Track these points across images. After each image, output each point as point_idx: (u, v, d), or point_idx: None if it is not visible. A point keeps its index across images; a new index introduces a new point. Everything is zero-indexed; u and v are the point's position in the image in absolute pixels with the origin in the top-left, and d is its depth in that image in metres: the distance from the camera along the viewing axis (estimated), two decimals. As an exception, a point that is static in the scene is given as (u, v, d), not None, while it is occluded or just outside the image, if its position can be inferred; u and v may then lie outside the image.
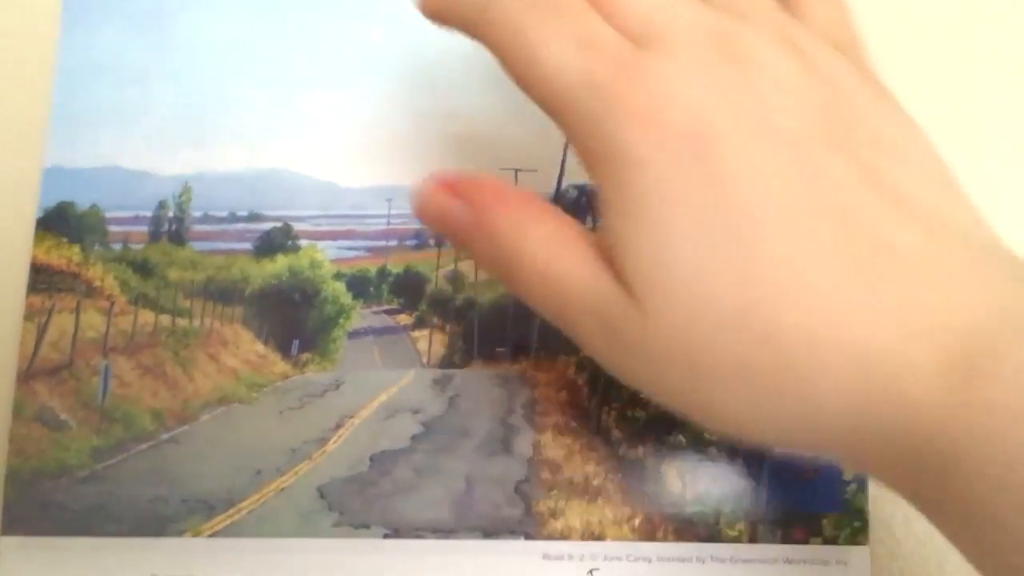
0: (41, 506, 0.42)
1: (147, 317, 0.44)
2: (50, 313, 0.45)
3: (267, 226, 0.45)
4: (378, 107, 0.46)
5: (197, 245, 0.45)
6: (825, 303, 0.23)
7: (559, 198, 0.44)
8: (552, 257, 0.27)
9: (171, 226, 0.45)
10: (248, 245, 0.45)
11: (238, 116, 0.46)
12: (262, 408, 0.43)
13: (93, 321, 0.44)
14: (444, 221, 0.29)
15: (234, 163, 0.45)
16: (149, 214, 0.45)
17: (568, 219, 0.28)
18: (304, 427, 0.42)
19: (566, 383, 0.42)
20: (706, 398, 0.26)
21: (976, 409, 0.20)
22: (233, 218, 0.45)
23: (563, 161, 0.44)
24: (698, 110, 0.25)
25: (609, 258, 0.26)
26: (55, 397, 0.44)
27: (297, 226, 0.45)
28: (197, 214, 0.45)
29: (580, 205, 0.44)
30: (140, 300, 0.44)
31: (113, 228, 0.45)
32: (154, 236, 0.45)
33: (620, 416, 0.41)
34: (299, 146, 0.45)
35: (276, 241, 0.44)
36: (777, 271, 0.23)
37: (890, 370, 0.22)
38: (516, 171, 0.44)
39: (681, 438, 0.41)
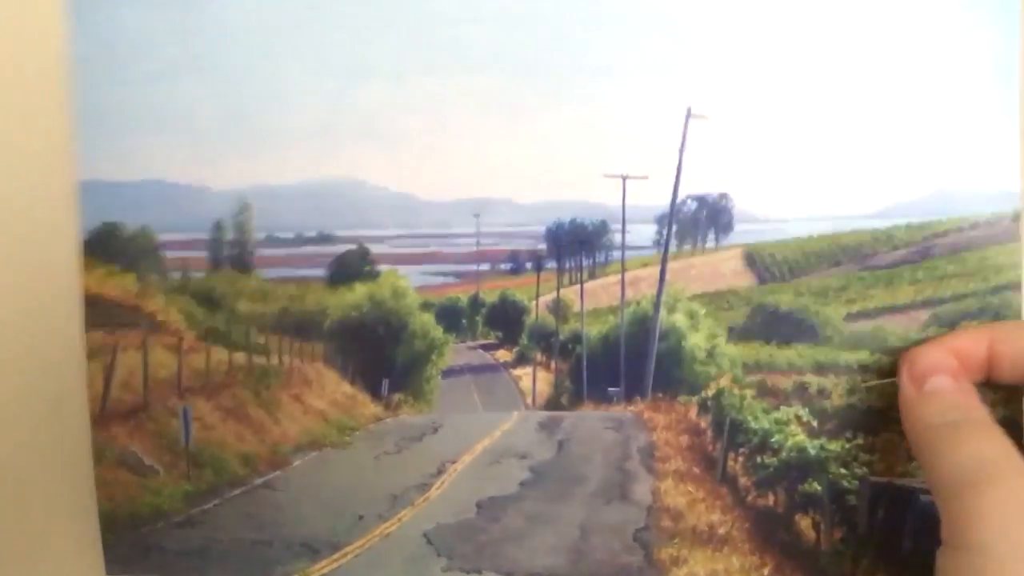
0: (142, 549, 0.42)
1: (220, 355, 0.42)
2: (115, 351, 0.42)
3: (340, 248, 0.41)
4: (458, 102, 0.40)
5: (264, 272, 0.41)
6: None
7: (676, 212, 0.38)
8: None
9: (233, 250, 0.41)
10: (321, 271, 0.41)
11: (293, 116, 0.41)
12: (357, 452, 0.41)
13: (163, 359, 0.42)
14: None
15: (295, 173, 0.41)
16: (206, 237, 0.41)
17: None
18: (404, 473, 0.41)
19: (688, 426, 0.39)
20: None
21: None
22: (301, 240, 0.41)
23: (679, 168, 0.38)
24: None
25: None
26: (136, 441, 0.42)
27: (374, 248, 0.41)
28: (260, 236, 0.41)
29: (699, 220, 0.39)
30: (210, 336, 0.42)
31: (168, 253, 0.41)
32: (214, 262, 0.41)
33: (748, 462, 0.39)
34: (367, 150, 0.40)
35: (352, 266, 0.41)
36: None
37: None
38: (624, 178, 0.38)
39: (816, 485, 0.38)
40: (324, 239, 0.41)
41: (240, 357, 0.42)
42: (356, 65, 0.41)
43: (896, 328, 0.39)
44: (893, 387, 0.40)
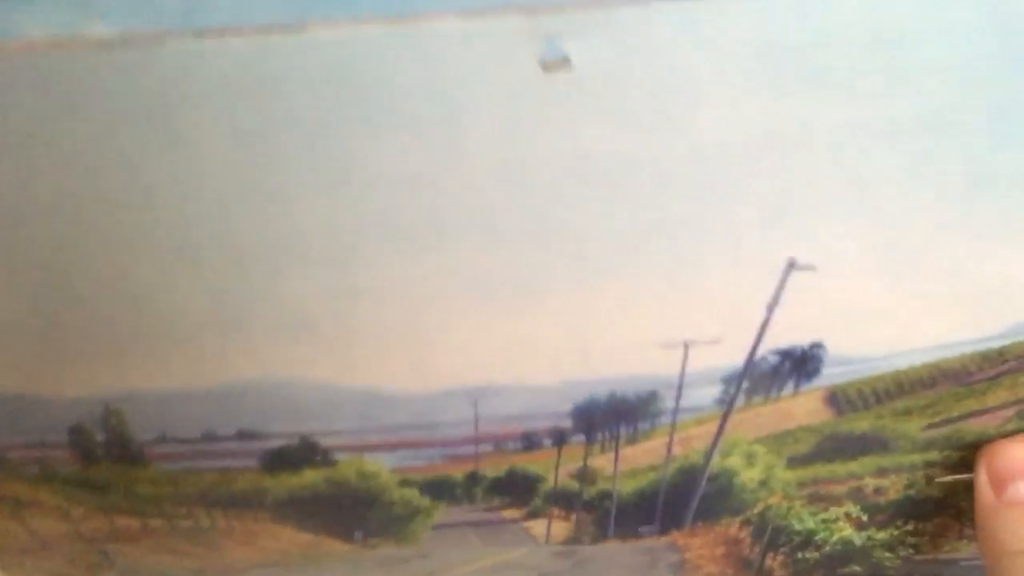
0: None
1: (126, 520, 0.32)
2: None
3: (274, 444, 0.29)
4: (438, 284, 0.25)
5: (165, 465, 0.29)
6: None
7: (753, 368, 0.28)
8: None
9: (111, 449, 0.28)
10: (251, 462, 0.29)
11: (169, 311, 0.25)
12: (331, 567, 0.35)
13: (50, 525, 0.32)
14: None
15: (185, 378, 0.26)
16: (62, 440, 0.28)
17: None
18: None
19: (725, 539, 0.34)
20: None
21: None
22: (212, 437, 0.28)
23: (764, 325, 0.27)
24: None
25: None
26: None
27: (326, 441, 0.29)
28: (148, 436, 0.28)
29: (780, 372, 0.28)
30: (107, 509, 0.31)
31: (11, 455, 0.29)
32: (87, 458, 0.29)
33: (788, 559, 0.35)
34: (295, 347, 0.26)
35: (295, 457, 0.29)
36: None
37: None
38: (687, 344, 0.27)
39: (856, 568, 0.35)
40: (249, 436, 0.28)
41: (156, 522, 0.32)
42: (271, 251, 0.23)
43: (974, 427, 0.32)
44: (967, 484, 0.34)
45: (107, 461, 0.29)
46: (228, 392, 0.27)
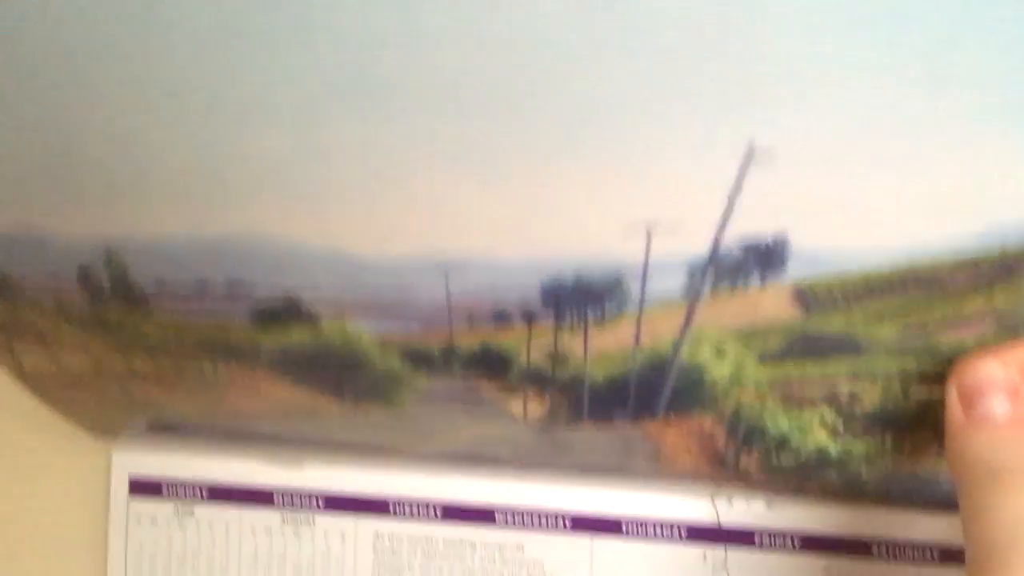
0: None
1: (140, 361, 0.34)
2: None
3: (261, 297, 0.31)
4: (403, 152, 0.26)
5: (167, 312, 0.31)
6: None
7: (716, 261, 0.29)
8: None
9: (115, 291, 0.31)
10: (243, 315, 0.31)
11: (151, 161, 0.27)
12: (329, 426, 0.37)
13: (71, 359, 0.35)
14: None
15: (170, 225, 0.28)
16: (71, 280, 0.31)
17: None
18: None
19: (700, 434, 0.35)
20: None
21: None
22: (203, 287, 0.30)
23: (726, 215, 0.27)
24: None
25: None
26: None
27: (307, 299, 0.30)
28: (147, 281, 0.30)
29: (745, 264, 0.29)
30: (121, 348, 0.34)
31: (25, 287, 0.31)
32: (96, 299, 0.31)
33: (763, 460, 0.36)
34: (271, 204, 0.28)
35: (281, 314, 0.31)
36: None
37: None
38: (648, 229, 0.28)
39: (833, 475, 0.36)
40: (236, 286, 0.30)
41: (166, 363, 0.34)
42: (239, 108, 0.24)
43: (951, 338, 0.31)
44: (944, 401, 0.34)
45: (115, 304, 0.32)
46: (213, 241, 0.29)
